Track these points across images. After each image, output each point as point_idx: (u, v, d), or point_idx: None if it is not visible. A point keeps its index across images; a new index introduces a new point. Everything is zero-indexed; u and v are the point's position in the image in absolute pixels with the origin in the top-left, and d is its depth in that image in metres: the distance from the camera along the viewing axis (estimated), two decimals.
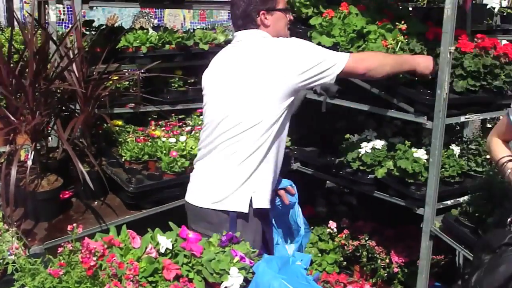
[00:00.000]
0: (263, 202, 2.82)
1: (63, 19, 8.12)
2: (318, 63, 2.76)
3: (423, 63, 3.21)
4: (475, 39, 3.59)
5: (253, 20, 2.89)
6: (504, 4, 5.42)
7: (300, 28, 3.99)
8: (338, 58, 2.83)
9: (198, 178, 2.96)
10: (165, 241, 2.21)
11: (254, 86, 2.75)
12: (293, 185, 3.17)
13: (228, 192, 2.78)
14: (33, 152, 3.37)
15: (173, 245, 2.23)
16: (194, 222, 2.88)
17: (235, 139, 2.77)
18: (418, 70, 3.21)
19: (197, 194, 2.90)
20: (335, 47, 3.65)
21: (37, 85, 3.35)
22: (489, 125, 5.34)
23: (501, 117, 2.77)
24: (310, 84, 2.82)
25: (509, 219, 2.59)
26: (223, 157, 2.81)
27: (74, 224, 2.14)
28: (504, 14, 5.09)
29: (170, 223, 2.43)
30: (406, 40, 3.51)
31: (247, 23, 2.91)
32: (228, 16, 9.88)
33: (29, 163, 3.32)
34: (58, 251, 2.06)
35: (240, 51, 2.91)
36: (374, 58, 3.06)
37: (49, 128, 3.63)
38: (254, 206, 2.78)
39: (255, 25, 2.90)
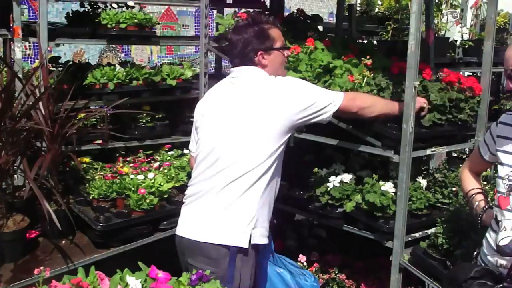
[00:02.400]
0: (261, 238, 2.82)
1: (29, 54, 8.06)
2: (315, 102, 2.81)
3: (398, 109, 3.24)
4: (440, 73, 3.65)
5: (250, 60, 2.91)
6: (466, 37, 5.52)
7: None
8: (334, 97, 2.89)
9: (195, 213, 2.89)
10: (134, 282, 2.18)
11: (253, 124, 2.76)
12: None
13: (228, 227, 2.76)
14: None
15: (142, 285, 2.20)
16: (191, 257, 2.82)
17: (235, 176, 2.76)
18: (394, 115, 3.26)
19: (195, 229, 2.84)
20: None
21: (2, 124, 3.32)
22: (454, 154, 5.42)
23: (466, 149, 2.82)
24: (308, 122, 2.88)
25: (475, 252, 2.63)
26: (222, 194, 2.78)
27: (41, 267, 2.10)
28: (466, 47, 5.21)
29: (139, 263, 2.40)
30: (372, 75, 3.56)
31: (245, 62, 2.93)
32: (196, 49, 9.94)
33: None
34: None
35: (238, 88, 2.91)
36: (366, 99, 3.11)
37: (15, 167, 3.58)
38: (253, 242, 2.76)
39: (253, 64, 2.92)
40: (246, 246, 2.73)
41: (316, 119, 2.86)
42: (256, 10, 4.97)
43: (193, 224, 2.87)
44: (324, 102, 2.85)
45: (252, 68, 2.92)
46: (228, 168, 2.78)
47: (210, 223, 2.81)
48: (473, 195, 2.72)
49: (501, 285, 2.21)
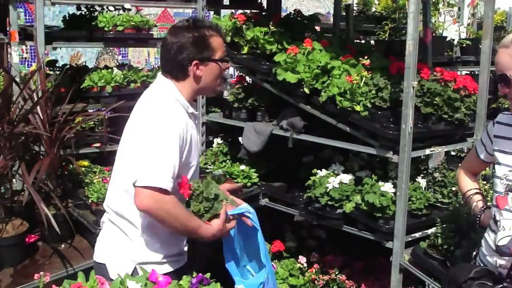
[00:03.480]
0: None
1: (26, 58, 8.06)
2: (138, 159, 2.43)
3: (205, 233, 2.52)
4: (434, 73, 3.66)
5: (183, 69, 2.58)
6: (463, 35, 5.52)
7: (264, 64, 4.03)
8: (148, 177, 2.36)
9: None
10: (134, 286, 2.18)
11: (124, 145, 2.60)
12: (250, 212, 2.74)
13: (110, 257, 2.59)
14: None
15: None
16: None
17: (113, 202, 2.62)
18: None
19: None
20: (300, 83, 3.69)
21: (0, 129, 3.31)
22: (453, 153, 5.42)
23: (465, 148, 2.81)
24: None
25: (474, 253, 2.63)
26: (108, 221, 2.65)
27: (41, 272, 2.10)
28: (463, 45, 5.21)
29: (138, 267, 2.41)
30: (370, 75, 3.56)
31: (176, 71, 2.59)
32: None
33: None
34: None
35: (143, 98, 2.67)
36: (174, 213, 2.42)
37: (13, 172, 3.57)
38: None
39: (184, 74, 2.58)
40: None
41: None
42: (253, 11, 4.96)
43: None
44: (140, 171, 2.38)
45: (165, 82, 2.61)
46: (111, 193, 2.65)
47: (100, 245, 2.67)
48: (471, 196, 2.72)
49: (501, 285, 2.21)
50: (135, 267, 2.51)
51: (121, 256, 2.55)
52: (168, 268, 2.58)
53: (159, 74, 2.68)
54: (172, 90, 2.59)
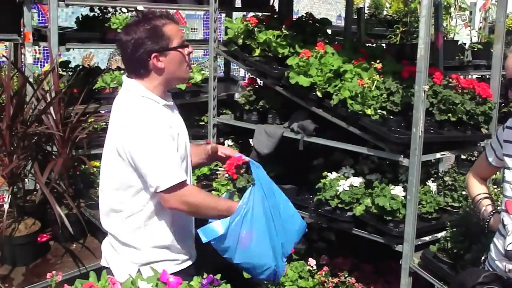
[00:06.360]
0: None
1: (38, 58, 8.10)
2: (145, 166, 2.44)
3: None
4: (450, 80, 3.65)
5: (144, 65, 2.51)
6: (475, 39, 5.51)
7: (276, 68, 4.04)
8: (159, 181, 2.41)
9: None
10: (145, 286, 2.20)
11: (108, 153, 2.59)
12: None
13: (114, 261, 2.66)
14: (10, 196, 3.34)
15: None
16: None
17: (109, 208, 2.65)
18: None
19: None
20: (312, 86, 3.70)
21: (14, 129, 3.34)
22: (463, 157, 5.40)
23: (475, 153, 2.82)
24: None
25: (483, 257, 2.63)
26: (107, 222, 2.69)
27: (54, 272, 2.12)
28: (475, 49, 5.20)
29: (150, 267, 2.42)
30: (382, 78, 3.56)
31: (138, 68, 2.53)
32: (205, 52, 9.95)
33: (6, 206, 3.30)
34: None
35: (115, 105, 2.62)
36: (197, 202, 2.52)
37: (26, 171, 3.60)
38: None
39: (147, 70, 2.52)
40: None
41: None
42: (265, 14, 4.97)
43: None
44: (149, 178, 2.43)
45: (131, 84, 2.56)
46: (103, 203, 2.68)
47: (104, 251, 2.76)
48: (480, 200, 2.72)
49: None
50: (139, 269, 2.55)
51: (123, 259, 2.60)
52: (172, 268, 2.59)
53: (124, 76, 2.62)
54: (139, 89, 2.53)
